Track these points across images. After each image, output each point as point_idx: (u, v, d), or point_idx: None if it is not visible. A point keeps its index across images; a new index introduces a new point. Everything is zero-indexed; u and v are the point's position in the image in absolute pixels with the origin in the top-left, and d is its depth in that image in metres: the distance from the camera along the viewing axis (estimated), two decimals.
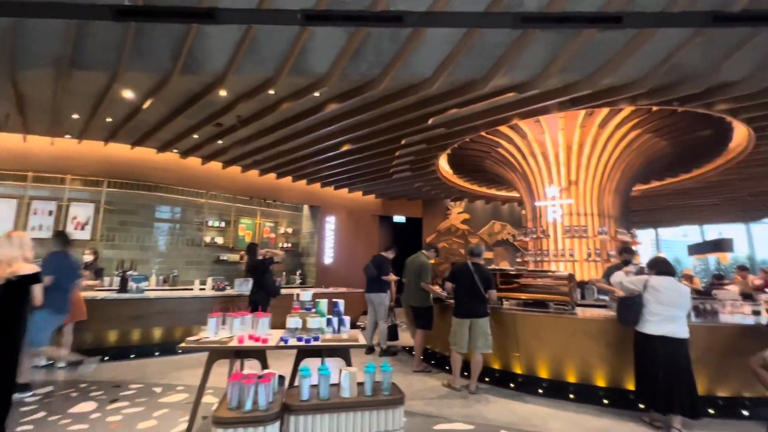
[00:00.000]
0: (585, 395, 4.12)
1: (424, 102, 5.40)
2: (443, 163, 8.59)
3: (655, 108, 5.83)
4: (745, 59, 4.58)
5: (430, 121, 5.83)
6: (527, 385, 4.44)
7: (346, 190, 11.33)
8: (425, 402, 4.00)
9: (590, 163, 6.88)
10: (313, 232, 11.09)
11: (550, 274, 4.79)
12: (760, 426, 3.55)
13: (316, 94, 5.20)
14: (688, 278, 9.87)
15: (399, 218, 13.03)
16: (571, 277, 4.59)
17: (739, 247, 17.64)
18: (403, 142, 6.75)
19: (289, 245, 10.73)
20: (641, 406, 3.72)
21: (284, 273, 10.37)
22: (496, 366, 4.79)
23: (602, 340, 4.09)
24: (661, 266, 3.67)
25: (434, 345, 5.70)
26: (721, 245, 12.78)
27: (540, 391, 4.33)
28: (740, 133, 6.48)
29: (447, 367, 4.96)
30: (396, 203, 12.73)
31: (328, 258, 10.96)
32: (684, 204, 12.66)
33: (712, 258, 16.22)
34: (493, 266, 9.19)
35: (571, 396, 4.17)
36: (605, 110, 6.16)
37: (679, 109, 5.71)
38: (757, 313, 4.35)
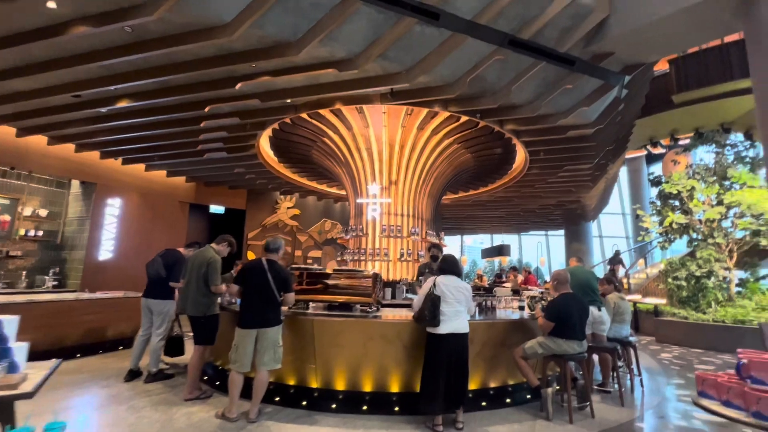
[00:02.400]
0: (379, 405, 3.82)
1: (227, 58, 4.31)
2: (265, 146, 7.55)
3: (463, 118, 6.31)
4: (529, 86, 5.25)
5: (238, 86, 4.75)
6: (322, 401, 3.88)
7: (141, 167, 8.90)
8: None
9: (410, 164, 7.08)
10: (84, 218, 8.24)
11: (356, 273, 4.39)
12: (519, 411, 3.92)
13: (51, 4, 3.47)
14: (479, 277, 11.65)
15: (217, 208, 11.19)
16: (375, 277, 4.29)
17: (515, 253, 22.68)
18: (207, 109, 5.42)
19: (40, 233, 7.66)
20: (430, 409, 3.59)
21: (24, 272, 7.32)
22: (291, 381, 4.08)
23: (399, 343, 3.87)
24: (445, 266, 3.66)
25: (225, 360, 4.61)
26: (502, 250, 15.79)
27: (334, 406, 3.83)
28: (520, 156, 7.75)
29: None
30: (214, 191, 10.86)
31: (106, 252, 8.32)
32: (481, 215, 15.10)
33: (497, 260, 20.03)
34: (311, 265, 8.63)
35: (365, 408, 3.80)
36: (424, 113, 6.37)
37: (480, 123, 6.33)
38: (521, 308, 4.98)
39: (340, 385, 3.96)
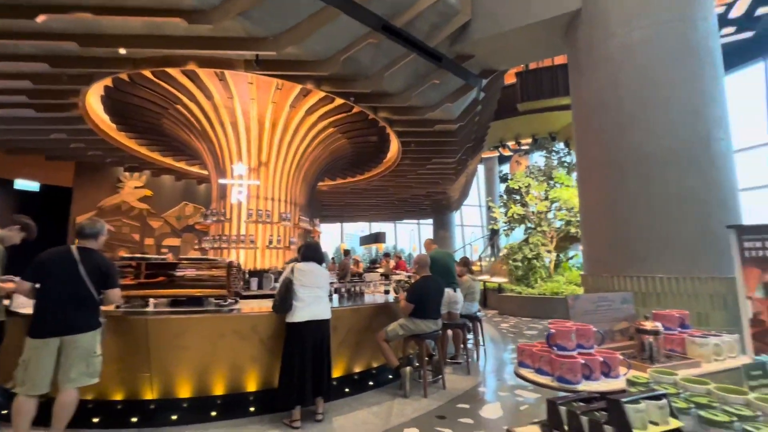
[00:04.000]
0: (232, 408, 3.41)
1: None
2: (95, 107, 6.03)
3: (338, 101, 6.13)
4: (401, 75, 5.35)
5: (40, 18, 3.57)
6: (160, 414, 3.28)
7: None
8: None
9: (282, 145, 6.59)
10: None
11: (206, 263, 3.82)
12: (381, 392, 4.01)
13: None
14: (356, 263, 11.87)
15: (27, 184, 8.66)
16: (230, 266, 3.81)
17: (390, 240, 24.00)
18: None
19: None
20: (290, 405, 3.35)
21: None
22: (117, 396, 3.33)
23: (255, 337, 3.51)
24: (306, 252, 3.48)
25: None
26: (378, 237, 16.46)
27: (175, 417, 3.27)
28: (394, 146, 8.02)
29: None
30: (22, 161, 8.32)
31: None
32: (359, 203, 15.39)
33: (374, 247, 20.84)
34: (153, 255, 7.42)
35: (215, 414, 3.36)
36: (296, 90, 5.95)
37: (355, 108, 6.26)
38: (387, 292, 5.13)
39: (184, 392, 3.40)
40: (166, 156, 8.68)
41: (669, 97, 3.82)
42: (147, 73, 5.02)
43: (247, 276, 5.67)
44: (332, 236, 22.80)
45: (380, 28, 4.56)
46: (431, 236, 18.94)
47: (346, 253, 12.82)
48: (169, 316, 3.37)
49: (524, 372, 1.46)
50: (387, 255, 10.75)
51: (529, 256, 11.07)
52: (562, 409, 1.10)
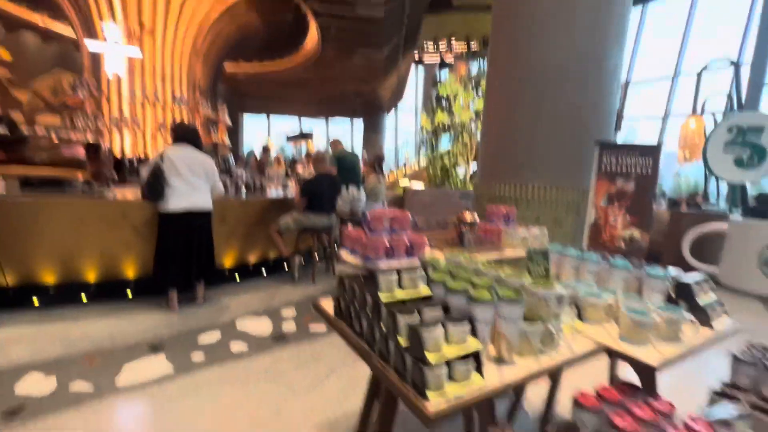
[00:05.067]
0: (108, 293, 3.34)
1: None
2: None
3: None
4: None
5: None
6: (20, 300, 3.10)
7: None
8: None
9: (171, 7, 5.44)
10: None
11: (64, 144, 3.31)
12: (273, 280, 4.20)
13: None
14: (277, 161, 11.40)
15: None
16: (95, 148, 3.35)
17: (322, 139, 23.10)
18: None
19: None
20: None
21: None
22: None
23: (127, 225, 3.29)
24: (179, 133, 3.14)
25: None
26: (306, 135, 15.70)
27: (38, 303, 3.13)
28: (312, 29, 7.12)
29: None
30: None
31: None
32: (286, 95, 14.14)
33: (304, 145, 20.00)
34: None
35: (88, 299, 3.27)
36: None
37: None
38: (286, 186, 5.04)
39: (48, 278, 3.21)
40: (24, 5, 6.77)
41: (575, 10, 3.73)
42: None
43: (135, 164, 5.12)
44: (252, 128, 21.18)
45: None
46: (363, 137, 18.59)
47: (265, 150, 12.15)
48: (18, 200, 2.96)
49: (343, 252, 1.54)
50: (309, 155, 10.42)
51: (448, 165, 11.55)
52: (345, 280, 1.18)
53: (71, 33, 7.88)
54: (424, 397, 0.85)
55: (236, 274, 4.10)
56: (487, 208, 2.05)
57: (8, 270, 3.08)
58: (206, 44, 6.24)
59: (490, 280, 1.16)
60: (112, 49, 4.93)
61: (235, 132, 14.14)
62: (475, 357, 0.95)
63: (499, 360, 1.06)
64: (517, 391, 1.98)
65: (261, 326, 2.98)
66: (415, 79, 22.94)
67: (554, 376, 1.73)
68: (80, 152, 3.28)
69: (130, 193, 3.66)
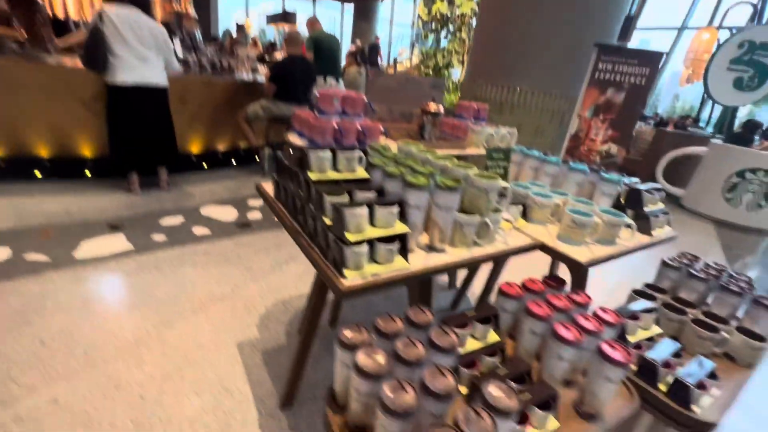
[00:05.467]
0: (64, 170, 3.19)
1: None
2: None
3: None
4: None
5: None
6: None
7: None
8: None
9: None
10: None
11: None
12: (243, 170, 4.09)
13: None
14: (254, 43, 10.27)
15: None
16: (31, 4, 2.84)
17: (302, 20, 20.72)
18: None
19: None
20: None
21: None
22: None
23: (73, 98, 3.00)
24: None
25: None
26: (287, 17, 13.97)
27: None
28: None
29: None
30: None
31: None
32: None
33: (284, 28, 17.96)
34: None
35: (42, 175, 3.13)
36: None
37: None
38: (255, 70, 4.60)
39: None
40: None
41: None
42: None
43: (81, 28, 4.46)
44: (236, 12, 18.76)
45: None
46: (352, 25, 16.70)
47: (239, 28, 10.84)
48: None
49: (290, 135, 1.42)
50: (287, 39, 9.36)
51: (441, 64, 10.68)
52: (283, 161, 1.09)
53: None
54: (341, 274, 0.85)
55: (204, 162, 3.95)
56: (458, 103, 1.90)
57: None
58: None
59: (433, 169, 1.10)
60: None
61: (207, 9, 12.41)
62: (401, 240, 0.93)
63: (431, 247, 1.05)
64: (464, 284, 2.10)
65: (226, 213, 2.98)
66: None
67: (496, 268, 1.82)
68: (1, 4, 2.77)
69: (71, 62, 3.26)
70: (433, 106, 1.60)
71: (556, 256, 1.18)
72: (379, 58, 12.39)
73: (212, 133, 3.92)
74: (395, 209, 0.90)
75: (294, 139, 1.38)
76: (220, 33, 11.09)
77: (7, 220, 2.45)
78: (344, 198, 0.92)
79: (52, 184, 3.06)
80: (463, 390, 0.91)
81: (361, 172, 1.06)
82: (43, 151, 3.14)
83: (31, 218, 2.50)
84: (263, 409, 1.40)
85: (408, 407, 0.66)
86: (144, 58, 2.74)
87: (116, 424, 1.27)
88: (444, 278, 2.48)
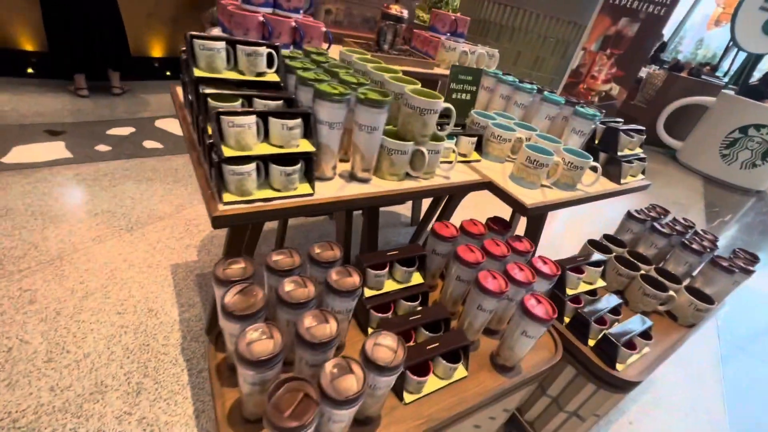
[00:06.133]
0: (2, 64, 2.85)
1: None
2: None
3: None
4: None
5: None
6: None
7: None
8: None
9: None
10: None
11: None
12: None
13: None
14: None
15: None
16: None
17: None
18: None
19: None
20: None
21: None
22: None
23: None
24: None
25: None
26: None
27: None
28: None
29: None
30: None
31: None
32: None
33: None
34: None
35: None
36: None
37: None
38: None
39: None
40: None
41: None
42: None
43: None
44: None
45: None
46: None
47: None
48: None
49: (213, 29, 1.17)
50: None
51: None
52: (185, 59, 0.87)
53: None
54: (220, 198, 0.70)
55: (168, 70, 3.58)
56: (433, 13, 1.60)
57: None
58: None
59: (363, 79, 0.90)
60: None
61: None
62: (306, 163, 0.77)
63: (353, 176, 0.90)
64: (423, 219, 1.99)
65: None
66: None
67: (448, 205, 1.68)
68: None
69: None
70: (395, 8, 1.32)
71: (503, 197, 1.04)
72: None
73: (176, 35, 3.48)
74: (295, 123, 0.72)
75: (214, 31, 1.14)
76: None
77: None
78: (235, 104, 0.74)
79: None
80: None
81: (271, 76, 0.86)
82: None
83: None
84: (188, 333, 1.35)
85: (267, 356, 0.57)
86: None
87: (25, 338, 1.21)
88: (407, 213, 2.36)
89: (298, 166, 0.75)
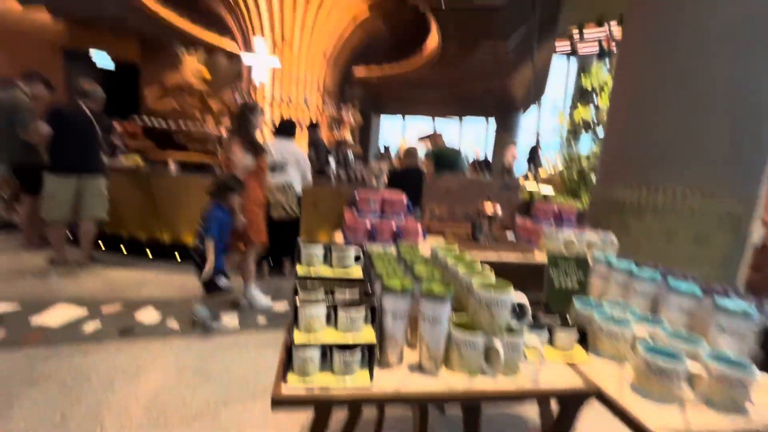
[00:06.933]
0: None
1: None
2: None
3: None
4: None
5: None
6: (171, 252, 4.07)
7: None
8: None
9: (306, 20, 6.24)
10: None
11: (205, 134, 4.17)
12: None
13: None
14: (399, 158, 11.93)
15: (103, 59, 9.63)
16: (220, 140, 4.12)
17: (455, 139, 23.01)
18: None
19: None
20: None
21: None
22: (141, 235, 4.16)
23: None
24: (279, 127, 3.57)
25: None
26: (429, 135, 15.88)
27: (179, 258, 4.05)
28: (433, 29, 7.11)
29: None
30: (94, 34, 9.13)
31: None
32: (414, 96, 14.57)
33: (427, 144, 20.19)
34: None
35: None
36: None
37: None
38: (377, 177, 5.18)
39: (190, 239, 4.12)
40: (211, 29, 8.83)
41: None
42: None
43: None
44: (389, 128, 22.41)
45: None
46: (495, 137, 17.67)
47: (385, 149, 12.79)
48: (166, 177, 3.92)
49: (336, 234, 1.51)
50: (428, 155, 10.53)
51: (586, 170, 9.95)
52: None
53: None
54: (284, 377, 0.77)
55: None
56: (536, 205, 1.70)
57: (165, 229, 4.08)
58: (335, 51, 6.92)
59: (437, 272, 0.97)
60: (260, 60, 5.97)
61: (367, 131, 15.29)
62: (369, 351, 0.81)
63: (420, 365, 0.87)
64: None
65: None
66: (567, 73, 20.51)
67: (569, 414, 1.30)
68: (211, 145, 4.09)
69: None
70: (489, 207, 1.47)
71: (618, 414, 0.81)
72: (539, 156, 12.48)
73: (324, 227, 4.46)
74: (358, 313, 0.81)
75: (339, 237, 1.46)
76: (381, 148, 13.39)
77: (171, 291, 3.19)
78: (317, 295, 0.89)
79: None
80: None
81: (356, 271, 1.02)
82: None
83: (190, 292, 3.20)
84: None
85: None
86: (284, 170, 3.49)
87: None
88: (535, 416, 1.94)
89: (357, 354, 0.80)
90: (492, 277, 0.96)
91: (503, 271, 1.40)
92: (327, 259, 1.04)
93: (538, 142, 13.10)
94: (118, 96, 9.22)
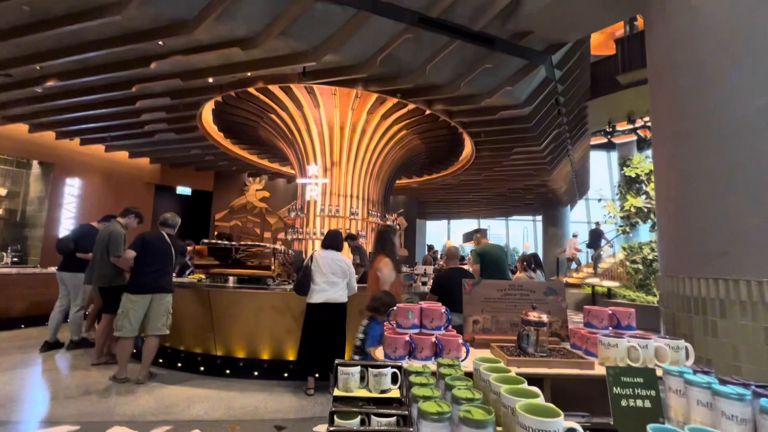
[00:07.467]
0: (273, 371, 4.03)
1: (131, 37, 4.38)
2: (209, 125, 7.58)
3: (410, 105, 6.31)
4: (447, 65, 5.26)
5: (152, 65, 4.84)
6: (222, 367, 4.11)
7: (100, 147, 9.07)
8: (63, 403, 3.18)
9: (352, 146, 7.14)
10: (43, 197, 8.48)
11: (261, 249, 4.55)
12: None
13: None
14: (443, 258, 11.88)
15: (184, 190, 11.38)
16: (274, 252, 4.45)
17: (501, 237, 22.78)
18: (134, 88, 5.52)
19: (0, 212, 7.92)
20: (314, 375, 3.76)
21: None
22: (197, 349, 4.30)
23: (289, 313, 4.05)
24: (325, 240, 3.81)
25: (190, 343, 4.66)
26: (478, 233, 15.86)
27: (229, 371, 4.06)
28: (467, 139, 7.76)
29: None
30: (181, 173, 11.03)
31: (65, 231, 8.60)
32: (456, 199, 15.15)
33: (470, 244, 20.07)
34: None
35: (257, 373, 4.02)
36: (373, 97, 6.32)
37: (427, 111, 6.38)
38: (425, 284, 5.12)
39: (240, 353, 4.18)
40: (273, 161, 10.27)
41: (763, 42, 2.87)
42: (252, 90, 6.06)
43: None
44: (435, 233, 22.89)
45: (416, 21, 4.61)
46: (542, 233, 17.28)
47: (429, 248, 12.85)
48: (222, 290, 4.19)
49: (371, 349, 1.50)
50: (446, 254, 10.45)
51: (650, 257, 9.19)
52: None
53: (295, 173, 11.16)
54: None
55: None
56: (586, 310, 1.59)
57: (218, 342, 4.19)
58: (377, 168, 7.67)
59: (478, 394, 0.91)
60: (312, 181, 6.75)
61: (413, 235, 15.70)
62: None
63: None
64: None
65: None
66: (608, 164, 20.61)
67: None
68: (267, 259, 4.42)
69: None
70: (534, 315, 1.40)
71: None
72: (603, 241, 11.89)
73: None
74: None
75: (378, 353, 1.44)
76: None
77: (218, 410, 3.13)
78: (353, 421, 0.87)
79: (262, 382, 3.84)
80: None
81: (394, 392, 0.99)
82: (265, 354, 4.12)
83: (234, 411, 3.12)
84: None
85: None
86: (333, 283, 3.61)
87: None
88: None
89: None
90: (539, 398, 0.88)
91: (562, 383, 1.29)
92: (364, 379, 1.02)
93: (597, 224, 12.59)
94: (193, 220, 10.63)
